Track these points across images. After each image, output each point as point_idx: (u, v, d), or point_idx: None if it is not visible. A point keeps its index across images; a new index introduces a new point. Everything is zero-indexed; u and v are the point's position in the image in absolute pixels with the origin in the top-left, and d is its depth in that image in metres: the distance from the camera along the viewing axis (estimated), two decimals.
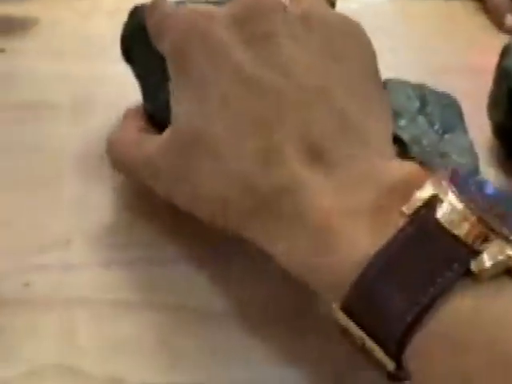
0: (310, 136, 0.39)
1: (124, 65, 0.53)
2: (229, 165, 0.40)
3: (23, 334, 0.42)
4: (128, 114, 0.50)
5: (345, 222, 0.36)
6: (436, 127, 0.50)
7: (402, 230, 0.35)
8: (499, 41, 0.58)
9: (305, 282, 0.39)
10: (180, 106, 0.43)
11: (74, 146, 0.54)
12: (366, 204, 0.36)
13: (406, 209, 0.36)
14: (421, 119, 0.50)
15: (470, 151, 0.50)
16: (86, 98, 0.58)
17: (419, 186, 0.36)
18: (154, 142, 0.44)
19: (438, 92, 0.53)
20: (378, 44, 0.45)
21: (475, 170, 0.50)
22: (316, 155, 0.39)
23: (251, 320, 0.44)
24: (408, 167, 0.38)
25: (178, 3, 0.48)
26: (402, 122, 0.50)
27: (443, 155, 0.49)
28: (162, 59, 0.45)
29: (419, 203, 0.35)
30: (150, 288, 0.45)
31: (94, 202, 0.50)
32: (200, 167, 0.41)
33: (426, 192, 0.36)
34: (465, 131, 0.51)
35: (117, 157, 0.48)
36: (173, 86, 0.44)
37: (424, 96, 0.52)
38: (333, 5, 0.50)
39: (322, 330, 0.42)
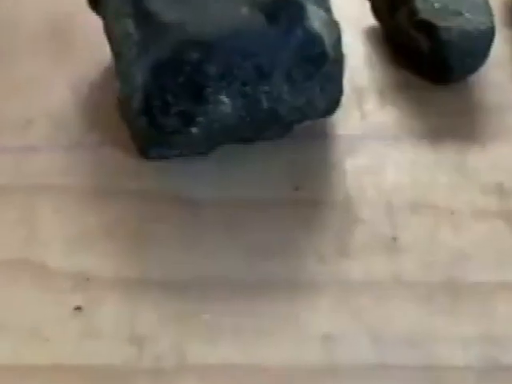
0: None
1: None
2: None
3: None
4: None
5: None
6: None
7: None
8: None
9: None
10: None
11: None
12: None
13: None
14: None
15: (485, 8, 0.44)
16: None
17: None
18: None
19: None
20: None
21: (490, 30, 0.43)
22: None
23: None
24: None
25: None
26: None
27: (454, 13, 0.43)
28: (142, 11, 0.37)
29: None
30: (120, 173, 0.40)
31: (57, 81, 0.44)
32: None
33: None
34: None
35: None
36: None
37: None
38: None
39: None
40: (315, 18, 0.38)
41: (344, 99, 0.43)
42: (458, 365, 0.35)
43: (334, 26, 0.40)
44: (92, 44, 0.45)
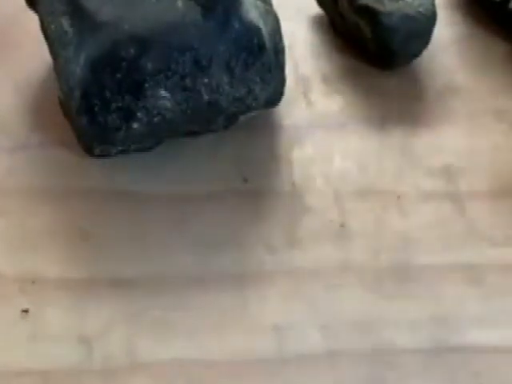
0: None
1: None
2: None
3: None
4: None
5: None
6: None
7: None
8: None
9: None
10: None
11: None
12: None
13: None
14: None
15: None
16: None
17: None
18: None
19: None
20: None
21: (431, 12, 0.43)
22: None
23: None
24: None
25: None
26: None
27: None
28: (78, 8, 0.37)
29: None
30: (65, 173, 0.40)
31: None
32: None
33: None
34: None
35: None
36: None
37: None
38: None
39: None
40: (252, 9, 0.38)
41: (289, 89, 0.42)
42: (407, 348, 0.35)
43: (272, 16, 0.40)
44: (35, 43, 0.44)
